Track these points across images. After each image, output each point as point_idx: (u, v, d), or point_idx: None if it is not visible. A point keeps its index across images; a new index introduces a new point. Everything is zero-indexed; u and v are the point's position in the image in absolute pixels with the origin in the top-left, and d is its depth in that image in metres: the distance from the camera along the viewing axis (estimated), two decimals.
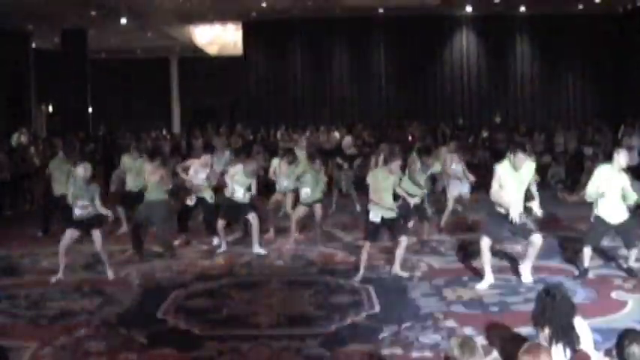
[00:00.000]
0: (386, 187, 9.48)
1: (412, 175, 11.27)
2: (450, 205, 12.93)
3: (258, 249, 11.19)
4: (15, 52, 28.15)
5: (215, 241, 11.98)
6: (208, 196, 12.23)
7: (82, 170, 9.67)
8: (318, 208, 12.06)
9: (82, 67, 29.95)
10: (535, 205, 8.93)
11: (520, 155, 8.60)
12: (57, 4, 23.56)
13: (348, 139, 19.98)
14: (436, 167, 11.75)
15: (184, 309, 8.21)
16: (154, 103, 36.12)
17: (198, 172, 12.16)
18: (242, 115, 30.34)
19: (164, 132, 27.41)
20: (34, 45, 30.42)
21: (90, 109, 32.77)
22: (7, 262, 11.20)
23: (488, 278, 8.88)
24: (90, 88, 31.06)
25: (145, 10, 26.02)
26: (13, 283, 9.86)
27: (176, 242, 11.93)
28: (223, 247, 11.41)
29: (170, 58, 37.09)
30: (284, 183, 12.82)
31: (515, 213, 8.52)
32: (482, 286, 8.81)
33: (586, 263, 9.20)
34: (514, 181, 8.67)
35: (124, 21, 26.37)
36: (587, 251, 9.20)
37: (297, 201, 12.47)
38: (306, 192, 11.83)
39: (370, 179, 9.67)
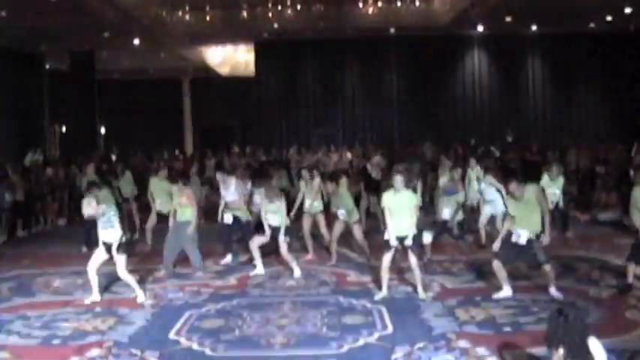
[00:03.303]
0: (399, 209, 9.47)
1: (437, 200, 11.35)
2: (483, 221, 12.86)
3: (298, 273, 11.05)
4: (28, 73, 28.38)
5: (227, 259, 12.09)
6: (243, 215, 12.31)
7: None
8: (356, 228, 12.02)
9: (91, 88, 30.18)
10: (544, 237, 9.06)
11: (513, 184, 9.08)
12: (70, 26, 23.75)
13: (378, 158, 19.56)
14: (460, 197, 11.63)
15: (197, 329, 8.21)
16: (166, 124, 36.27)
17: (228, 188, 12.26)
18: (254, 135, 30.44)
19: (176, 152, 27.50)
20: (47, 66, 30.65)
21: (102, 130, 32.97)
22: (21, 282, 11.23)
23: (507, 290, 9.13)
24: (102, 109, 31.27)
25: (158, 31, 26.20)
26: (26, 303, 9.88)
27: (223, 262, 12.08)
28: (260, 269, 11.30)
29: (182, 79, 37.29)
30: (314, 203, 12.77)
31: (522, 237, 8.95)
32: (499, 295, 9.06)
33: (630, 279, 9.21)
34: (517, 206, 9.07)
35: (136, 42, 26.57)
36: (631, 268, 9.27)
37: (330, 220, 12.44)
38: (342, 213, 11.82)
39: (384, 202, 9.67)
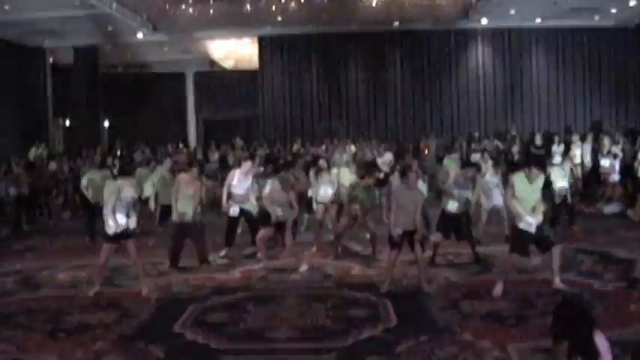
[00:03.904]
0: (406, 203, 9.47)
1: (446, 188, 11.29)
2: (484, 218, 12.84)
3: (303, 267, 11.00)
4: (32, 67, 28.38)
5: (224, 251, 12.10)
6: (252, 208, 12.29)
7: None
8: (369, 220, 12.05)
9: (94, 82, 30.16)
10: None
11: (534, 170, 9.03)
12: (73, 20, 23.74)
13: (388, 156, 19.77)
14: (470, 194, 11.49)
15: (201, 323, 8.22)
16: (170, 117, 36.21)
17: (241, 182, 12.22)
18: (257, 129, 30.43)
19: (180, 145, 27.48)
20: (51, 60, 30.64)
21: (106, 123, 32.97)
22: (25, 275, 11.23)
23: (499, 288, 9.07)
24: (105, 103, 31.27)
25: (161, 25, 26.18)
26: (31, 296, 9.90)
27: (221, 254, 12.04)
28: (264, 263, 11.25)
29: (186, 72, 37.23)
30: (329, 191, 12.76)
31: (532, 222, 8.90)
32: (496, 291, 9.00)
33: (637, 273, 9.22)
34: (528, 191, 9.05)
35: (140, 36, 26.55)
36: None
37: (340, 213, 12.46)
38: (356, 209, 11.84)
39: (395, 195, 9.67)
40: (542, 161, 12.92)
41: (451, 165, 15.44)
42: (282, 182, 11.26)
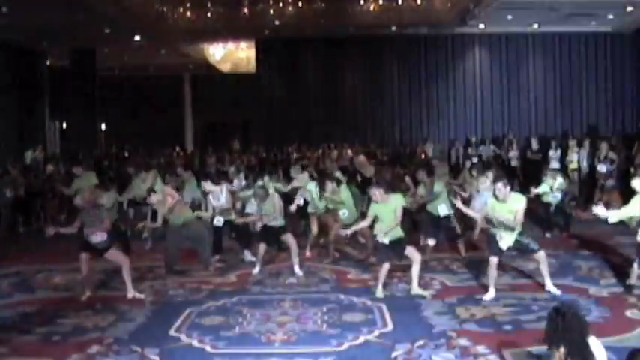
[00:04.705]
0: (381, 217, 9.49)
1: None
2: (480, 222, 12.83)
3: (298, 270, 10.99)
4: (29, 69, 28.36)
5: (247, 255, 12.11)
6: (234, 217, 12.30)
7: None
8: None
9: (92, 85, 30.17)
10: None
11: (502, 189, 9.04)
12: (71, 23, 23.74)
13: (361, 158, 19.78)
14: (437, 187, 11.65)
15: (197, 326, 8.21)
16: (167, 120, 36.23)
17: (219, 198, 12.22)
18: (255, 132, 30.43)
19: (177, 149, 27.49)
20: (48, 62, 30.64)
21: (103, 126, 32.96)
22: (21, 278, 11.24)
23: (491, 292, 9.09)
24: (102, 106, 31.27)
25: (159, 27, 26.19)
26: (27, 299, 9.89)
27: (213, 259, 11.99)
28: (257, 269, 11.17)
29: (183, 75, 37.25)
30: (323, 203, 12.78)
31: (504, 241, 9.04)
32: (485, 297, 9.01)
33: (633, 280, 9.18)
34: (497, 211, 9.07)
35: (137, 38, 26.57)
36: (636, 267, 9.20)
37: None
38: (344, 213, 11.87)
39: (372, 212, 9.65)
40: (538, 166, 12.98)
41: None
42: (258, 194, 11.26)
